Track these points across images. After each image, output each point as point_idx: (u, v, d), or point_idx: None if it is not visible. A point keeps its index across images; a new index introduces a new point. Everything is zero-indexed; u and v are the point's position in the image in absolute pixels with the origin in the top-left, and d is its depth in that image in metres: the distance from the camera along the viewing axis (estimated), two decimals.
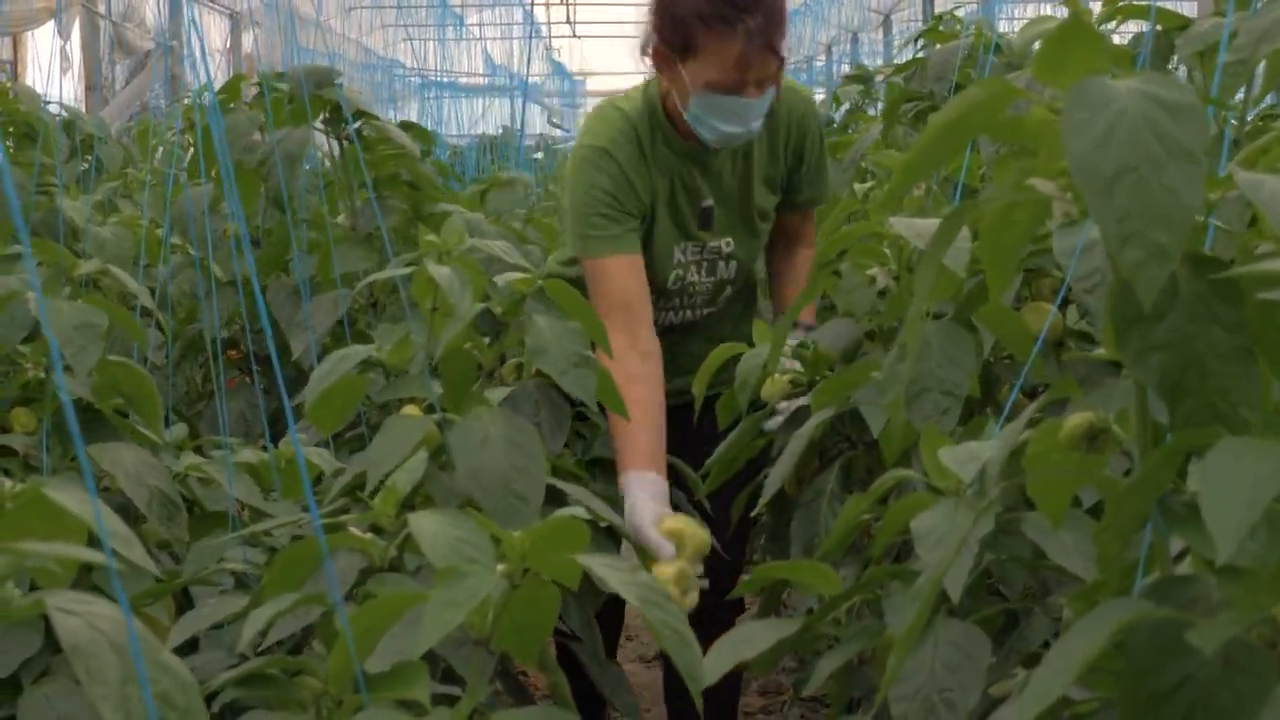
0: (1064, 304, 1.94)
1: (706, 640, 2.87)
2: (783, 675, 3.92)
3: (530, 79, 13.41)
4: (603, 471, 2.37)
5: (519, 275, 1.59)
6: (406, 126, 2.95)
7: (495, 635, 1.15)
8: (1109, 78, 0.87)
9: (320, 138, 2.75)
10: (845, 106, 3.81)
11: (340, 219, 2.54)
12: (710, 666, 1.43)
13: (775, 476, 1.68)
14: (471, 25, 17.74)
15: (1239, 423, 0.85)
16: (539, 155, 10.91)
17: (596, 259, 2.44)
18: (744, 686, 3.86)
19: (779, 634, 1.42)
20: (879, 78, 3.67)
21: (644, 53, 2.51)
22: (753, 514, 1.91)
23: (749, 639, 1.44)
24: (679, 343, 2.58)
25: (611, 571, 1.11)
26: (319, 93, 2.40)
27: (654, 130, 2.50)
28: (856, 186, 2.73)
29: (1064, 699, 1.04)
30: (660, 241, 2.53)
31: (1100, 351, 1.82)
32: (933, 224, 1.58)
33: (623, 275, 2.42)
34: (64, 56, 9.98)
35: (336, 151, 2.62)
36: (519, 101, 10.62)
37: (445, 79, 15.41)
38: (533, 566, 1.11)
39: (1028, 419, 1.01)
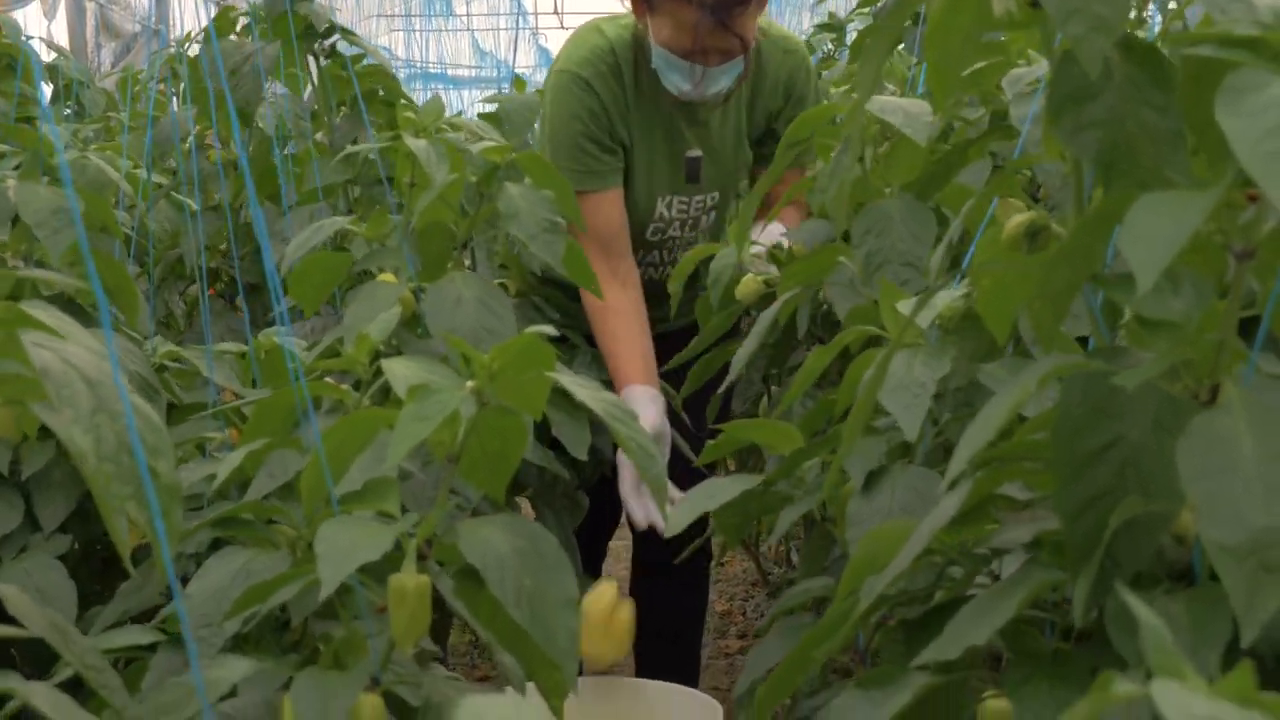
0: (1037, 199, 1.98)
1: (677, 577, 2.88)
2: (761, 621, 3.96)
3: (518, 69, 13.42)
4: None
5: (492, 143, 1.62)
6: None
7: (464, 457, 1.18)
8: None
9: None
10: (818, 55, 3.86)
11: (319, 136, 2.57)
12: (676, 519, 1.47)
13: (741, 355, 1.72)
14: (459, 15, 17.74)
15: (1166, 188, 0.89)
16: None
17: (577, 194, 2.36)
18: (724, 631, 3.91)
19: (743, 486, 1.46)
20: (850, 25, 3.73)
21: None
22: (722, 387, 1.95)
23: (715, 493, 1.48)
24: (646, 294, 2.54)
25: (580, 388, 1.15)
26: (297, 10, 2.44)
27: (638, 68, 2.42)
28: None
29: (1004, 496, 1.09)
30: (640, 190, 2.48)
31: None
32: (896, 100, 1.62)
33: (603, 210, 2.40)
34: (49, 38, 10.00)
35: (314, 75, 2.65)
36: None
37: (434, 69, 15.41)
38: (501, 383, 1.14)
39: (964, 216, 1.04)
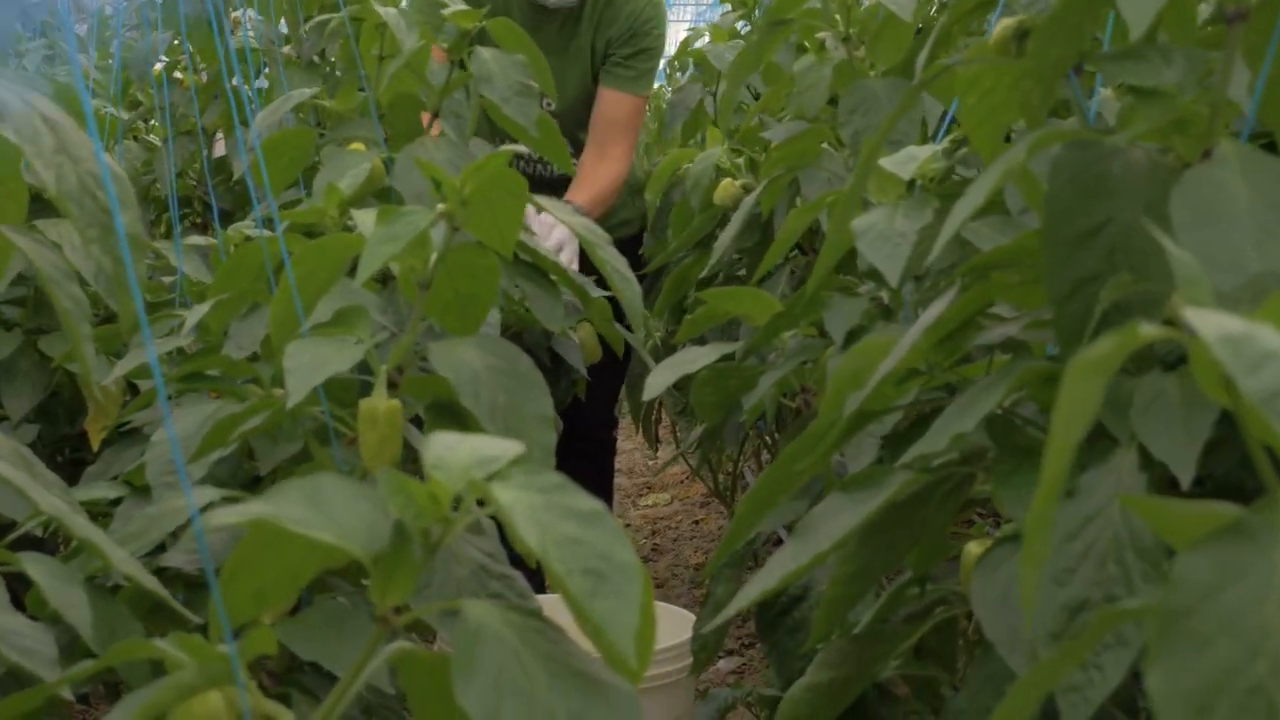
0: None
1: (586, 457, 3.21)
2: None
3: None
4: None
5: (461, 8, 1.60)
6: None
7: (434, 292, 1.15)
8: None
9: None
10: None
11: (287, 49, 2.54)
12: (654, 383, 1.45)
13: (723, 241, 1.69)
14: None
15: None
16: None
17: None
18: (699, 582, 3.88)
19: (720, 351, 1.44)
20: None
21: None
22: (704, 272, 1.92)
23: (692, 359, 1.45)
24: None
25: (555, 207, 1.12)
26: None
27: None
28: None
29: (993, 315, 1.07)
30: None
31: None
32: None
33: None
34: None
35: None
36: None
37: None
38: (473, 209, 1.11)
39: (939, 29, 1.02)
